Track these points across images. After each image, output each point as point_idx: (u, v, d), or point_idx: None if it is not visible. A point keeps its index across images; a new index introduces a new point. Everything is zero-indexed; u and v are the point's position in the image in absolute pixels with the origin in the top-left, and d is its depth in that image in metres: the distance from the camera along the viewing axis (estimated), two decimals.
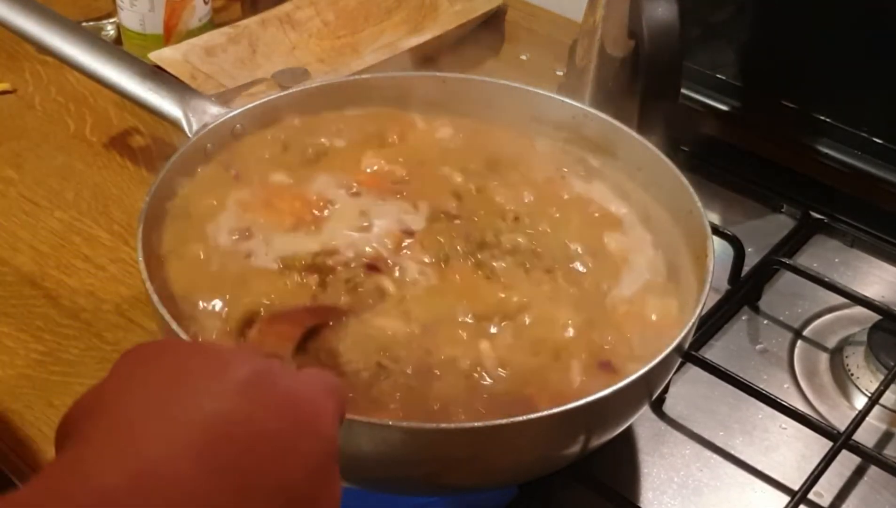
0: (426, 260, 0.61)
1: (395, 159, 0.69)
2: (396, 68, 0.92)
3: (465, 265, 0.61)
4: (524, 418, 0.47)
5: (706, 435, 0.65)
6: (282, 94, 0.69)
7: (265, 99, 0.68)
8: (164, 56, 0.92)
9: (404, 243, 0.62)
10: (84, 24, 1.03)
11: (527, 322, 0.58)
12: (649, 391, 0.55)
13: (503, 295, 0.59)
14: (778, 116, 0.86)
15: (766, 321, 0.74)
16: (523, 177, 0.69)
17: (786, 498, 0.60)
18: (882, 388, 0.65)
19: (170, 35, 0.97)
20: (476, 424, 0.48)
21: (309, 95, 0.70)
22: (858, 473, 0.63)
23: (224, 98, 0.88)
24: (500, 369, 0.54)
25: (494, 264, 0.61)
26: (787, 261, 0.76)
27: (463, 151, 0.71)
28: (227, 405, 0.35)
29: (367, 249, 0.61)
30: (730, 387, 0.65)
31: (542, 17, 1.03)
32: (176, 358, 0.38)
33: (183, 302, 0.57)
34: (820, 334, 0.74)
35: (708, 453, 0.64)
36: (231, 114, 0.66)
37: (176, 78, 0.70)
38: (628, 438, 0.64)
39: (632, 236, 0.65)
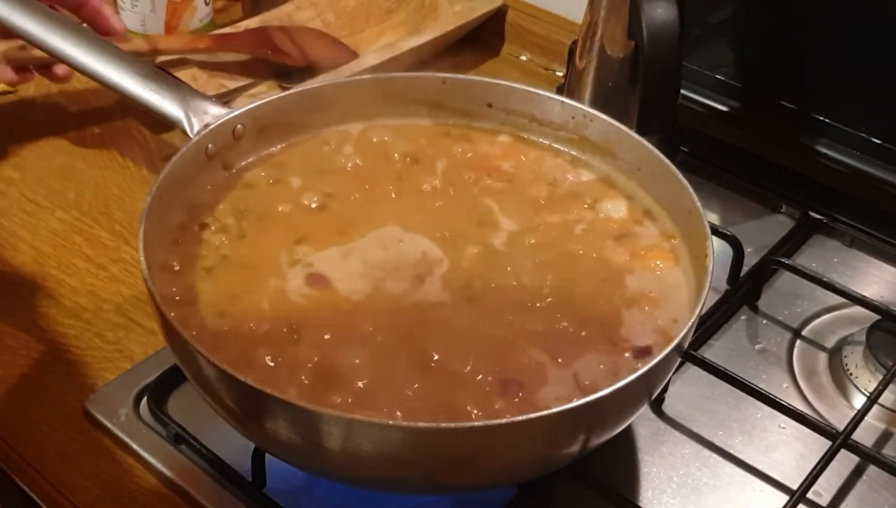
0: None
1: None
2: (396, 69, 0.92)
3: None
4: (524, 417, 0.47)
5: (705, 435, 0.65)
6: (283, 94, 0.69)
7: (266, 99, 0.68)
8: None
9: None
10: (85, 24, 1.03)
11: None
12: (649, 391, 0.55)
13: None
14: (777, 116, 0.86)
15: (765, 321, 0.75)
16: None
17: (785, 498, 0.60)
18: (881, 388, 0.65)
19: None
20: (476, 424, 0.48)
21: (310, 95, 0.70)
22: (857, 472, 0.63)
23: (225, 99, 0.88)
24: None
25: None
26: (786, 261, 0.77)
27: None
28: None
29: None
30: (729, 387, 0.65)
31: (542, 17, 1.03)
32: None
33: None
34: (819, 333, 0.74)
35: (707, 452, 0.65)
36: (232, 114, 0.66)
37: (177, 78, 0.70)
38: (628, 437, 0.65)
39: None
